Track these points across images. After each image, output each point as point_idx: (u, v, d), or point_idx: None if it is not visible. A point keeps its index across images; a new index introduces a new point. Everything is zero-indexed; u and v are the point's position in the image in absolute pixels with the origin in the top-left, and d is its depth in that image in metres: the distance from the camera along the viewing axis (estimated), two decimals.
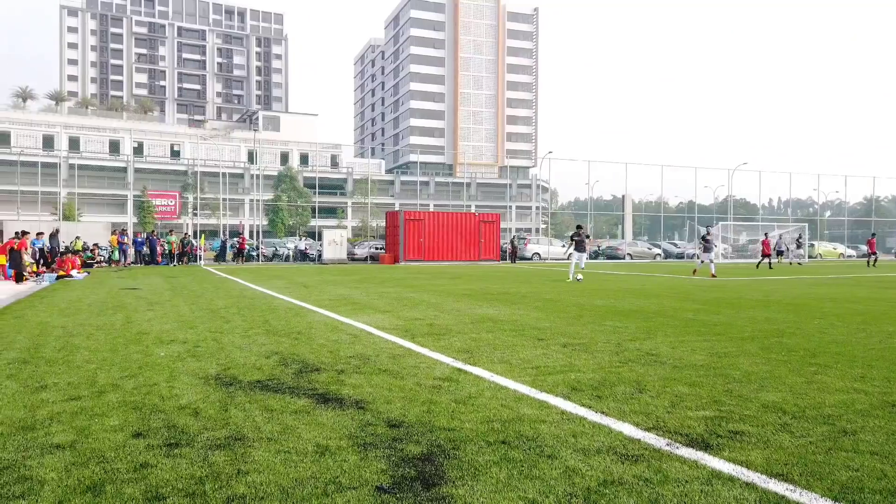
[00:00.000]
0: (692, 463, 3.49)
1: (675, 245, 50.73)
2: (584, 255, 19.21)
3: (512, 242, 39.71)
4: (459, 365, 6.09)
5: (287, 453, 3.61)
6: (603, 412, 4.48)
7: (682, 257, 45.91)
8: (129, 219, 56.55)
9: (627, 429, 4.10)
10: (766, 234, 33.43)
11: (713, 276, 21.11)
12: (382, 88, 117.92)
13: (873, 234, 33.39)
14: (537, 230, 55.82)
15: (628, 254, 44.49)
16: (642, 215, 58.40)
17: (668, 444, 3.79)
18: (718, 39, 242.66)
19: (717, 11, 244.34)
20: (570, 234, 22.33)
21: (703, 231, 23.67)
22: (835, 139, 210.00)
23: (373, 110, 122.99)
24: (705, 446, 3.76)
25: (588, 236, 20.66)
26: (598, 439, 3.88)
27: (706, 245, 22.03)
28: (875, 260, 32.36)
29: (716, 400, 4.81)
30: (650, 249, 46.29)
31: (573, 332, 8.33)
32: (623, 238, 54.31)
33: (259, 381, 5.38)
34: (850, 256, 51.01)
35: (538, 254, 42.45)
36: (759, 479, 3.25)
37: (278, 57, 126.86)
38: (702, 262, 22.39)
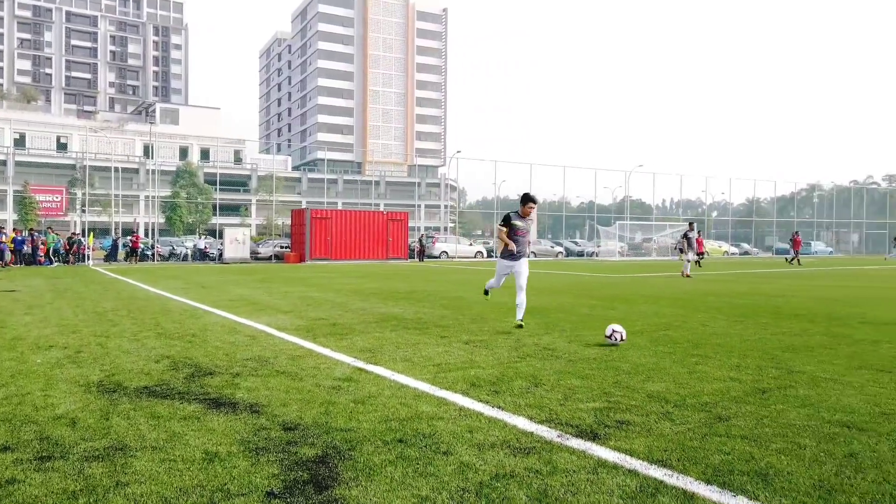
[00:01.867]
0: (580, 453, 3.62)
1: (576, 243, 52.61)
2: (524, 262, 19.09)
3: (420, 241, 39.87)
4: (361, 364, 6.04)
5: (172, 462, 3.45)
6: (499, 407, 4.57)
7: (583, 255, 47.70)
8: (8, 216, 52.31)
9: (522, 422, 4.21)
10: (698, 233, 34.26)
11: (687, 275, 20.50)
12: (289, 83, 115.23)
13: (796, 232, 34.57)
14: (446, 229, 56.32)
15: (532, 252, 45.72)
16: (546, 215, 60.18)
17: (559, 436, 3.91)
18: (618, 45, 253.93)
19: (616, 15, 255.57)
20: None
21: (685, 229, 22.75)
22: (721, 143, 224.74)
23: (279, 105, 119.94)
24: (593, 436, 3.92)
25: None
26: (493, 434, 3.96)
27: (688, 242, 21.79)
28: (794, 257, 33.56)
29: (605, 391, 5.02)
30: (553, 248, 47.78)
31: (476, 329, 8.46)
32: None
33: (146, 387, 5.12)
34: (733, 254, 54.72)
35: (446, 252, 42.84)
36: (640, 466, 3.41)
37: (177, 47, 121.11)
38: (688, 260, 21.75)
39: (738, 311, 10.72)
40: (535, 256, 44.97)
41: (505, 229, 8.40)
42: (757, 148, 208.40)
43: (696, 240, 28.25)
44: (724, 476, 3.27)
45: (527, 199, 8.31)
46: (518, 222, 8.38)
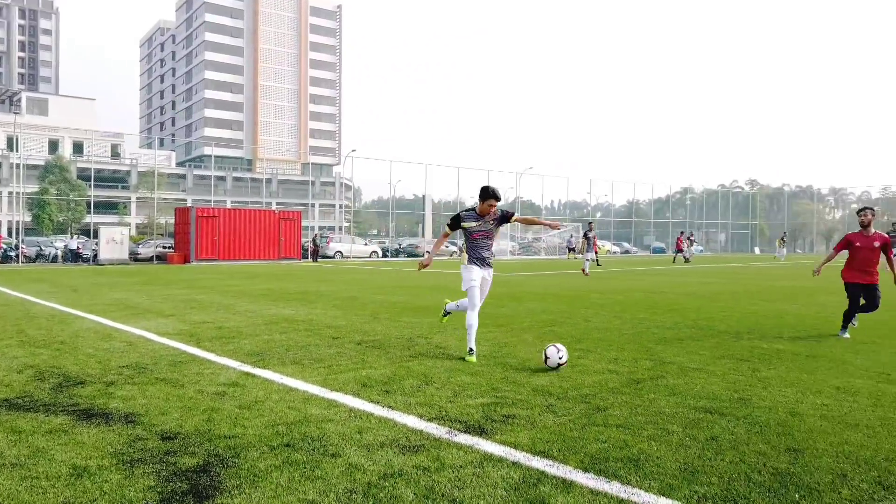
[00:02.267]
0: (468, 448, 3.70)
1: None
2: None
3: (314, 241, 39.13)
4: (248, 369, 5.86)
5: (35, 479, 3.20)
6: (390, 406, 4.59)
7: None
8: None
9: (412, 421, 4.24)
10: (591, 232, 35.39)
11: (586, 273, 21.31)
12: (173, 75, 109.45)
13: (681, 233, 36.63)
14: (341, 228, 55.62)
15: (427, 251, 46.06)
16: (441, 214, 60.86)
17: (447, 433, 3.98)
18: (510, 47, 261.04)
19: (508, 16, 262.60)
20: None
21: (585, 228, 23.67)
22: (604, 147, 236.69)
23: (162, 98, 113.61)
24: (481, 431, 4.02)
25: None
26: (383, 433, 3.97)
27: (588, 242, 22.66)
28: (677, 257, 35.39)
29: (494, 387, 5.17)
30: (448, 247, 48.38)
31: (369, 329, 8.43)
32: (423, 237, 56.11)
33: (7, 400, 4.71)
34: (615, 253, 57.76)
35: (341, 252, 42.30)
36: (524, 458, 3.54)
37: (47, 32, 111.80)
38: (587, 259, 22.37)
39: (619, 306, 11.34)
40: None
41: (449, 233, 6.76)
42: (637, 152, 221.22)
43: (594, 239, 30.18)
44: (601, 463, 3.46)
45: (486, 194, 6.28)
46: (471, 223, 6.40)
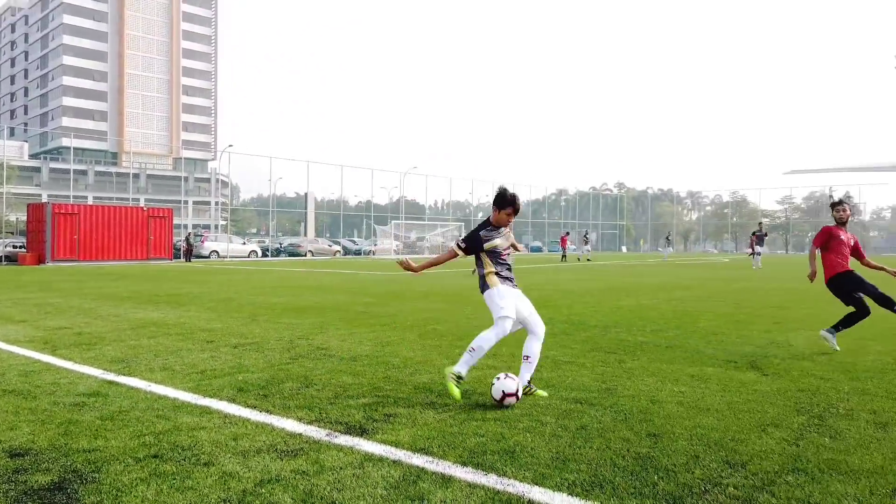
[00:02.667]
0: (348, 449, 3.68)
1: (354, 242, 53.17)
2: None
3: (187, 240, 37.19)
4: (111, 377, 5.47)
5: None
6: (268, 411, 4.46)
7: (360, 254, 48.34)
8: None
9: (290, 424, 4.15)
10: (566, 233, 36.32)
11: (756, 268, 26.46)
12: (26, 59, 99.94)
13: (567, 233, 37.93)
14: (217, 227, 53.20)
15: (309, 251, 45.19)
16: (324, 213, 59.85)
17: (327, 435, 3.93)
18: (391, 44, 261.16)
19: (389, 13, 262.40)
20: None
21: (583, 231, 28.47)
22: (486, 148, 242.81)
23: (12, 83, 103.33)
24: (362, 432, 4.00)
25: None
26: (260, 439, 3.85)
27: (586, 240, 27.71)
28: (564, 256, 35.78)
29: (376, 387, 5.16)
30: (330, 246, 47.71)
31: (246, 331, 8.13)
32: (306, 235, 54.93)
33: None
34: None
35: (217, 251, 40.52)
36: (404, 456, 3.57)
37: None
38: (581, 254, 26.49)
39: None
40: (314, 256, 44.45)
41: (459, 255, 5.08)
42: (515, 154, 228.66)
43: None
44: (479, 457, 3.56)
45: (504, 201, 4.95)
46: (497, 241, 5.02)
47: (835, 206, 7.29)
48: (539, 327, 5.13)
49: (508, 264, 5.13)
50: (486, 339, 4.85)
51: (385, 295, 13.50)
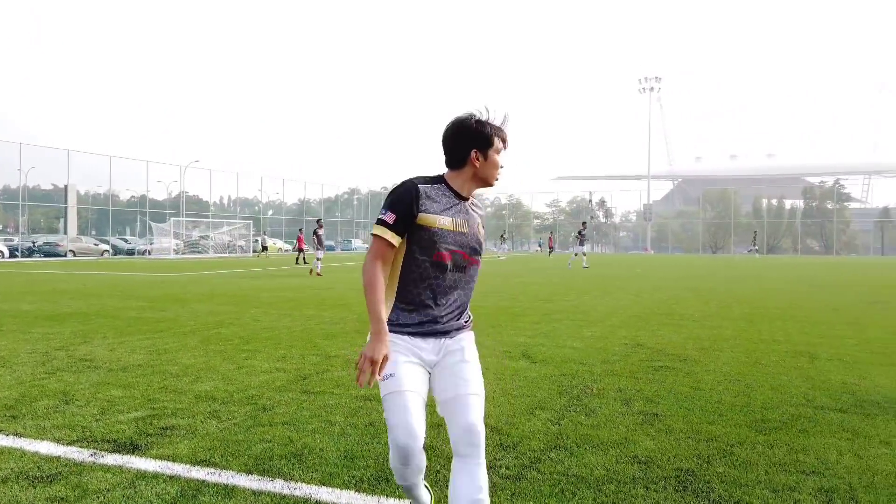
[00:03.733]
0: (117, 469, 3.36)
1: (127, 241, 48.36)
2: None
3: None
4: None
5: None
6: (17, 434, 3.91)
7: (134, 254, 44.14)
8: None
9: (45, 447, 3.68)
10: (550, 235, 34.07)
11: (585, 267, 26.01)
12: None
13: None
14: None
15: (71, 250, 40.15)
16: (89, 208, 53.54)
17: (92, 455, 3.56)
18: (168, 22, 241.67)
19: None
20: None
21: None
22: (276, 145, 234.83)
23: None
24: (133, 448, 3.69)
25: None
26: (8, 466, 3.36)
27: (581, 239, 27.62)
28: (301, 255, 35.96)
29: (150, 398, 4.77)
30: (97, 245, 42.87)
31: None
32: (66, 233, 48.66)
33: None
34: (287, 251, 58.00)
35: None
36: (183, 470, 3.36)
37: None
38: (576, 254, 27.14)
39: (288, 304, 11.43)
40: (76, 256, 39.56)
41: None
42: (306, 150, 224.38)
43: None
44: (265, 463, 3.47)
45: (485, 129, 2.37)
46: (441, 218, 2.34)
47: None
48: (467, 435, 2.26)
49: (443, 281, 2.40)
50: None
51: (162, 298, 12.50)
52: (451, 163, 2.40)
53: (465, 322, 2.49)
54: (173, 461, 3.48)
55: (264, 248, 41.96)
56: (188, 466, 3.41)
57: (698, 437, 3.97)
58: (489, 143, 2.37)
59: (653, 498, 3.07)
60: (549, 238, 45.52)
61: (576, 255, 28.43)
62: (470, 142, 2.35)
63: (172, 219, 44.33)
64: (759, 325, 9.07)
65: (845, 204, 77.38)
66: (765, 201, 77.63)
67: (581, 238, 28.88)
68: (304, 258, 30.46)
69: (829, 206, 72.15)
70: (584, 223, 32.08)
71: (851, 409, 4.62)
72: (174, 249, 42.32)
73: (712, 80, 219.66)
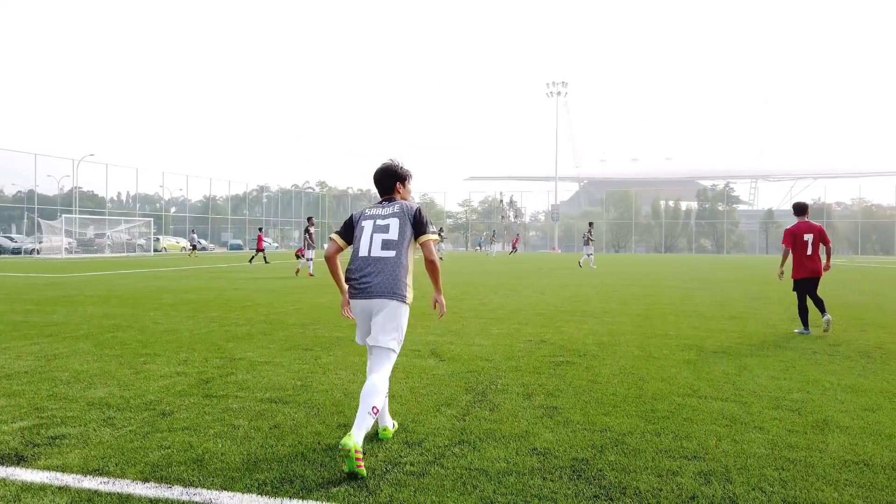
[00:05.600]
0: (0, 482, 3.18)
1: (12, 239, 44.95)
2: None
3: None
4: None
5: None
6: None
7: (20, 253, 41.10)
8: None
9: None
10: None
11: (592, 267, 27.27)
12: None
13: (259, 229, 34.34)
14: None
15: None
16: None
17: None
18: (53, 8, 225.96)
19: None
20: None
21: (586, 228, 29.01)
22: (177, 140, 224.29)
23: None
24: (19, 460, 3.49)
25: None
26: None
27: (588, 239, 28.71)
28: (256, 256, 32.99)
29: (38, 407, 4.52)
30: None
31: None
32: None
33: None
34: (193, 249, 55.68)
35: None
36: (73, 480, 3.22)
37: None
38: (588, 255, 28.54)
39: (191, 306, 11.03)
40: None
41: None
42: (213, 146, 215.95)
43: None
44: (163, 470, 3.37)
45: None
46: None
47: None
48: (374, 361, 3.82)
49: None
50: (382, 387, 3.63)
51: (51, 300, 11.75)
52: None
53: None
54: (63, 472, 3.33)
55: (194, 248, 40.05)
56: (79, 477, 3.27)
57: (593, 428, 4.19)
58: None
59: (549, 487, 3.22)
60: (516, 238, 47.57)
61: (587, 255, 28.74)
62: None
63: (64, 216, 41.55)
64: (654, 321, 9.61)
65: (734, 206, 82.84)
66: (663, 203, 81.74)
67: (588, 239, 28.99)
68: (265, 258, 30.92)
69: (720, 208, 76.94)
70: (591, 224, 31.75)
71: (731, 398, 5.02)
72: (66, 248, 39.72)
73: (616, 86, 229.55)
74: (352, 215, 4.04)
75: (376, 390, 3.54)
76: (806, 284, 8.58)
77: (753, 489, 3.23)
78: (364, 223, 3.90)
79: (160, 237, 51.80)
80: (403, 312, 3.80)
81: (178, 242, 55.04)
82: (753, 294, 14.64)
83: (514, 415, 4.49)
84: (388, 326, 3.73)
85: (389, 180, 3.96)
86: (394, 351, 3.75)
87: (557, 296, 13.54)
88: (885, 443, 3.96)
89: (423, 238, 3.85)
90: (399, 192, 3.98)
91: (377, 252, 3.78)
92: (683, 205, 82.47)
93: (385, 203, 3.95)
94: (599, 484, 3.27)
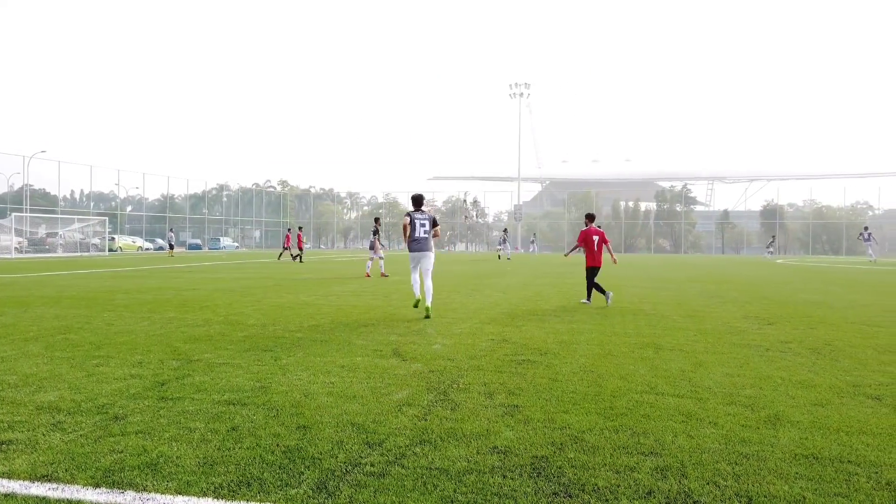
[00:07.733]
0: None
1: None
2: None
3: None
4: None
5: None
6: None
7: None
8: None
9: None
10: (295, 230, 30.84)
11: (508, 259, 29.84)
12: None
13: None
14: None
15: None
16: None
17: None
18: None
19: None
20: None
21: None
22: (133, 138, 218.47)
23: None
24: None
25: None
26: None
27: (504, 239, 31.46)
28: (281, 255, 32.56)
29: None
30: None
31: None
32: None
33: None
34: (147, 249, 54.45)
35: None
36: (20, 487, 3.11)
37: None
38: (504, 250, 31.93)
39: (147, 306, 10.78)
40: None
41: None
42: (170, 144, 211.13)
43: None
44: (115, 475, 3.28)
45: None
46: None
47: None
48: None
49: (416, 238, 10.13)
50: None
51: None
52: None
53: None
54: (9, 478, 3.22)
55: (171, 247, 39.02)
56: (26, 483, 3.16)
57: (553, 426, 4.23)
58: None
59: (509, 485, 3.24)
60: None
61: (504, 250, 33.23)
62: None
63: (14, 214, 40.15)
64: (613, 319, 9.76)
65: (692, 207, 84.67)
66: (623, 203, 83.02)
67: (504, 239, 32.00)
68: (299, 256, 30.62)
69: (678, 209, 78.54)
70: (505, 230, 33.45)
71: (687, 395, 5.12)
72: (16, 248, 38.38)
73: (578, 88, 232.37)
74: (408, 213, 10.03)
75: (431, 288, 9.95)
76: (592, 271, 12.35)
77: (708, 483, 3.30)
78: (416, 219, 9.97)
79: (115, 237, 50.45)
80: (433, 256, 10.19)
81: (133, 242, 53.71)
82: (709, 293, 14.98)
83: (476, 414, 4.51)
84: (430, 262, 10.14)
85: (421, 201, 10.30)
86: (431, 270, 10.09)
87: (519, 295, 13.64)
88: (833, 437, 4.09)
89: (437, 228, 10.11)
90: (423, 206, 10.00)
91: (420, 234, 10.00)
92: (643, 205, 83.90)
93: (421, 211, 10.10)
94: (559, 481, 3.31)
